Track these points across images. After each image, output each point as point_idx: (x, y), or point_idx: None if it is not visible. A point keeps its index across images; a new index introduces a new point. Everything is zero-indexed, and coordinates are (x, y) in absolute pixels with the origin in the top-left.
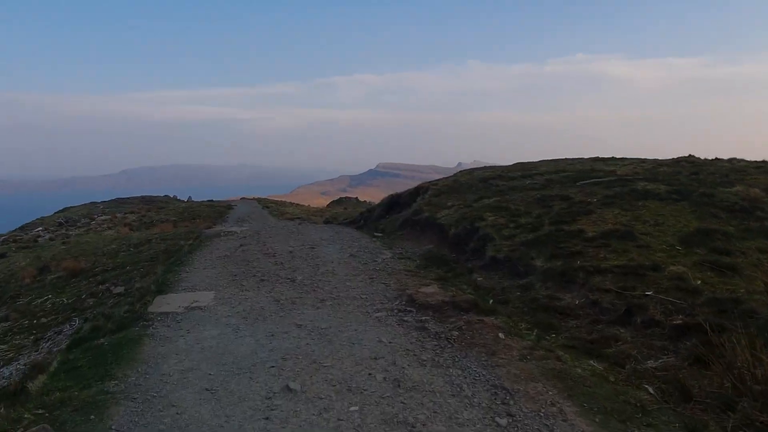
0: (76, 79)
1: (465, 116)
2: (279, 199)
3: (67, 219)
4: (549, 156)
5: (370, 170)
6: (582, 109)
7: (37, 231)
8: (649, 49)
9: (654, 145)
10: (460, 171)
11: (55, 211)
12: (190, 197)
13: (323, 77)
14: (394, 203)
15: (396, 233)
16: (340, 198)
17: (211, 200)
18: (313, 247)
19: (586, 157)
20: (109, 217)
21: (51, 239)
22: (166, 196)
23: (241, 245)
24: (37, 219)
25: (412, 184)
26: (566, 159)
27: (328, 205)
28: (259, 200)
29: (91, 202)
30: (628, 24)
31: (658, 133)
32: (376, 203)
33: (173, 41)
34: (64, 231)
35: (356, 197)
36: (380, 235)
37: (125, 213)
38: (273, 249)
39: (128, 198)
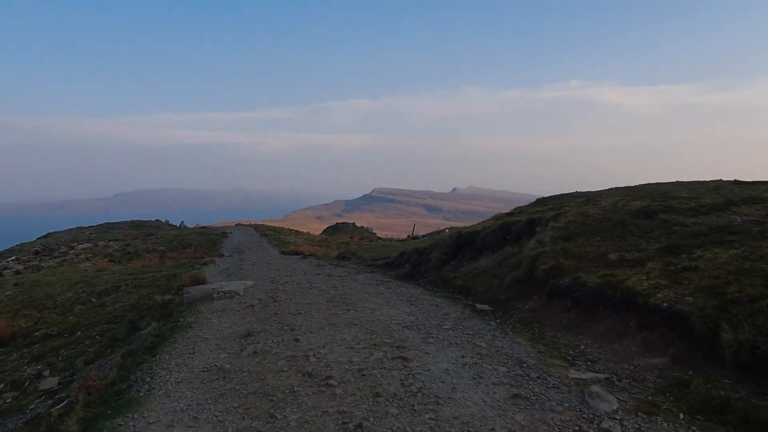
0: (70, 103)
1: (459, 141)
2: (275, 225)
3: (44, 247)
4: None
5: (365, 195)
6: (577, 135)
7: (8, 261)
8: (642, 76)
9: (648, 171)
10: (568, 197)
11: (39, 236)
12: (182, 222)
13: (318, 102)
14: (464, 244)
15: (515, 307)
16: (337, 224)
17: (204, 226)
18: (404, 357)
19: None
20: (91, 245)
21: (17, 272)
22: (157, 220)
23: (248, 334)
24: (17, 245)
25: (407, 209)
26: (686, 182)
27: (324, 231)
28: (255, 226)
29: (77, 227)
30: (622, 52)
31: (651, 159)
32: (432, 244)
33: (168, 65)
34: (36, 262)
35: (353, 222)
36: (489, 309)
37: (109, 241)
38: (317, 358)
39: (117, 222)
